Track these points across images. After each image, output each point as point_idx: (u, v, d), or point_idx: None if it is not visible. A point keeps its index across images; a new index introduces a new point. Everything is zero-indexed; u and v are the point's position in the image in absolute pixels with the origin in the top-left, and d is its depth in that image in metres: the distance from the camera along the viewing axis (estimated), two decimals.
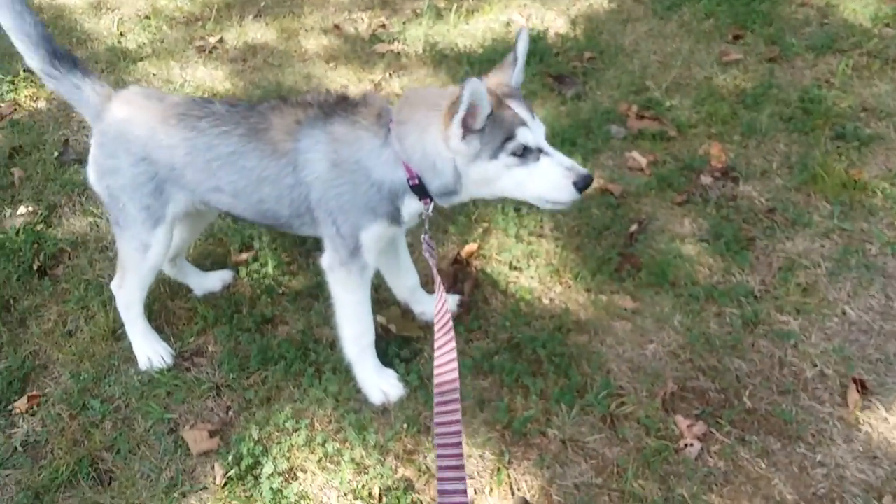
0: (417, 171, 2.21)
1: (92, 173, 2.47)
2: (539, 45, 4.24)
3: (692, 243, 3.07)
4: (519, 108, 2.14)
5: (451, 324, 1.96)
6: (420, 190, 2.24)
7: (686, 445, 2.37)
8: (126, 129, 2.38)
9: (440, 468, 1.74)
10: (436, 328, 1.99)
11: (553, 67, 4.12)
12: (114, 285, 2.65)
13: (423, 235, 2.30)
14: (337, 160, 2.27)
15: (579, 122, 3.71)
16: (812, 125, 3.61)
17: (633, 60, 4.18)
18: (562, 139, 3.57)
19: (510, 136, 2.11)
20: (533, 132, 2.14)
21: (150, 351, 2.67)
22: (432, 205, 2.28)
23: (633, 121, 3.71)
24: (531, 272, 2.98)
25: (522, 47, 2.24)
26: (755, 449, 2.37)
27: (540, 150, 2.15)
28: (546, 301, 2.88)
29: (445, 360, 1.91)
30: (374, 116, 2.26)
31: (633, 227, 3.12)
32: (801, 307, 2.79)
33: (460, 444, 1.77)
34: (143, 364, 2.66)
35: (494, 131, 2.10)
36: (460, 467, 1.74)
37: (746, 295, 2.83)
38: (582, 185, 2.14)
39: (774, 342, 2.68)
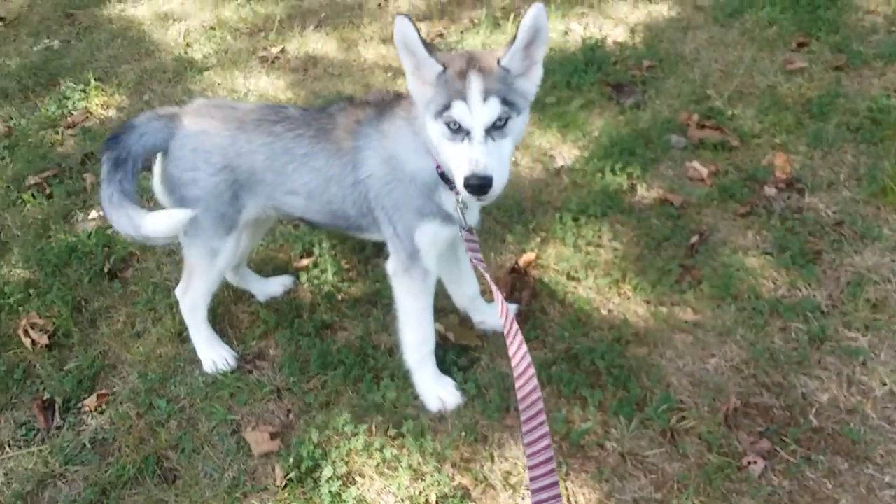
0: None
1: (163, 187, 2.52)
2: (597, 54, 4.22)
3: (756, 256, 3.00)
4: (473, 84, 2.00)
5: (519, 332, 1.91)
6: (448, 178, 2.23)
7: (749, 463, 2.32)
8: (204, 140, 2.43)
9: (533, 491, 1.71)
10: (507, 340, 1.92)
11: (611, 76, 4.09)
12: (178, 291, 2.73)
13: (461, 232, 2.26)
14: (386, 156, 2.31)
15: (638, 132, 3.67)
16: (881, 136, 3.50)
17: (693, 69, 4.12)
18: (620, 149, 3.55)
19: (447, 105, 2.02)
20: (471, 112, 2.00)
21: (214, 354, 2.74)
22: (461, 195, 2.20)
23: (694, 130, 3.65)
24: (589, 282, 2.96)
25: (525, 24, 2.02)
26: (821, 469, 2.30)
27: (468, 134, 2.02)
28: (604, 312, 2.85)
29: (522, 368, 1.85)
30: (412, 108, 2.27)
31: (694, 239, 3.08)
32: (870, 323, 2.71)
33: (552, 459, 1.75)
34: (207, 367, 2.73)
35: (440, 94, 2.04)
36: (554, 485, 1.71)
37: (813, 310, 2.76)
38: (471, 182, 1.98)
39: (842, 359, 2.61)
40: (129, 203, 2.38)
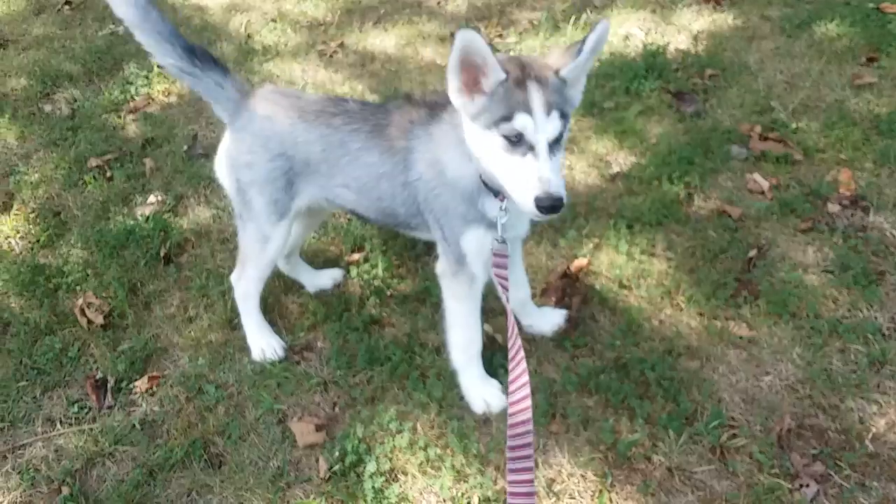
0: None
1: (222, 167, 2.57)
2: (658, 60, 4.15)
3: (816, 273, 2.92)
4: (535, 96, 1.96)
5: (524, 360, 1.93)
6: (489, 185, 2.20)
7: (801, 486, 2.26)
8: (267, 126, 2.45)
9: None
10: (510, 365, 1.94)
11: (672, 83, 4.02)
12: (233, 277, 2.76)
13: (492, 241, 2.22)
14: (432, 161, 2.29)
15: (698, 141, 3.60)
16: None
17: (757, 79, 4.03)
18: (678, 157, 3.48)
19: (508, 117, 1.97)
20: (536, 125, 1.96)
21: (263, 343, 2.76)
22: (506, 203, 2.18)
23: (756, 142, 3.57)
24: (641, 291, 2.92)
25: (593, 39, 1.99)
26: (875, 495, 2.23)
27: (531, 148, 1.99)
28: (656, 322, 2.80)
29: (519, 396, 1.88)
30: (456, 112, 2.20)
31: (752, 253, 3.00)
32: None
33: (533, 493, 1.78)
34: (256, 355, 2.76)
35: (499, 104, 1.99)
36: None
37: (874, 332, 2.67)
38: (543, 203, 1.95)
39: None
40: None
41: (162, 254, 3.22)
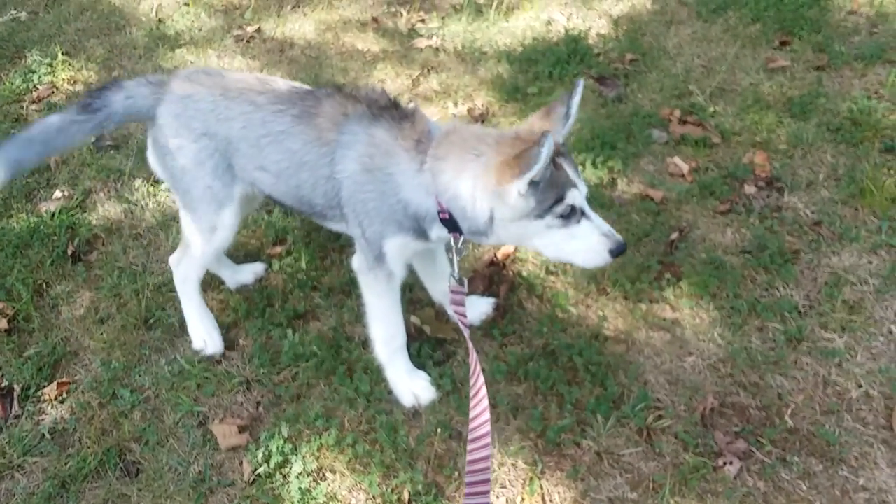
0: (447, 208, 2.15)
1: (154, 158, 2.47)
2: (580, 46, 4.17)
3: (735, 254, 2.99)
4: (569, 168, 2.07)
5: (485, 390, 1.96)
6: (450, 223, 2.18)
7: (725, 464, 2.30)
8: (188, 105, 2.35)
9: None
10: (471, 403, 1.97)
11: (594, 68, 4.05)
12: (172, 260, 2.65)
13: (449, 284, 2.25)
14: (370, 166, 2.22)
15: (620, 125, 3.63)
16: (861, 137, 3.50)
17: (676, 64, 4.09)
18: (602, 141, 3.50)
19: (560, 198, 2.04)
20: (580, 193, 2.08)
21: (205, 334, 2.65)
22: (462, 240, 2.20)
23: (676, 126, 3.62)
24: (568, 277, 2.92)
25: (577, 102, 2.15)
26: (796, 470, 2.29)
27: (582, 213, 2.10)
28: (583, 307, 2.82)
29: (478, 411, 1.92)
30: (415, 140, 2.18)
31: (674, 235, 3.05)
32: (846, 325, 2.70)
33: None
34: (197, 344, 2.65)
35: (547, 191, 2.02)
36: None
37: (790, 310, 2.75)
38: (617, 252, 2.12)
39: (818, 360, 2.60)
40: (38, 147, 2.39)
41: (69, 252, 3.05)
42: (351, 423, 2.44)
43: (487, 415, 1.91)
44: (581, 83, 2.16)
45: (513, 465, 2.33)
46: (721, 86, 3.90)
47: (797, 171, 3.37)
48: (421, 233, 2.26)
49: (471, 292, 2.82)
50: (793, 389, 2.52)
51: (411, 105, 2.35)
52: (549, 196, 2.03)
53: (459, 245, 2.21)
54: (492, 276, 2.91)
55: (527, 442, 2.38)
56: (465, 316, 2.19)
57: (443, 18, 4.59)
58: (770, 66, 4.02)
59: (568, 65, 4.03)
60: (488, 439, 1.89)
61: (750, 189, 3.27)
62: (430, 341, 2.68)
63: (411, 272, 2.68)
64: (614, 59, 4.15)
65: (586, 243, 2.11)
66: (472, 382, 1.99)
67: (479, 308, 2.75)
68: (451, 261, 2.25)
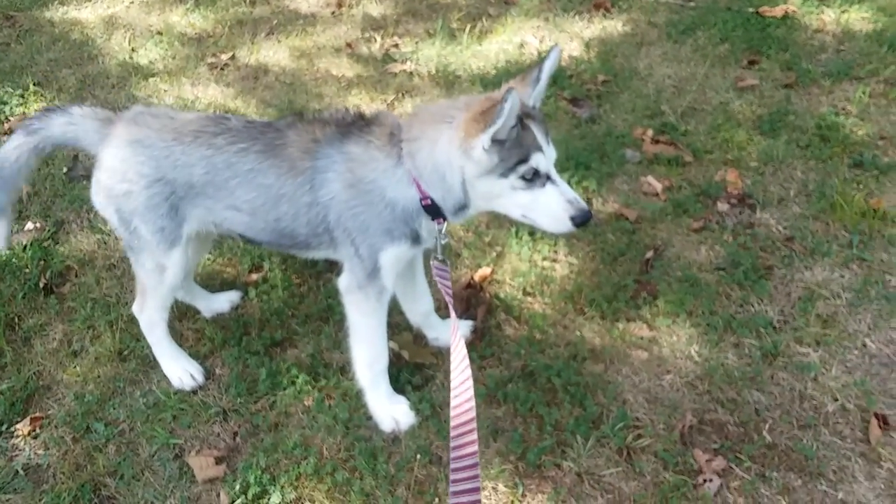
0: (427, 189, 2.19)
1: (99, 198, 2.41)
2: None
3: (709, 271, 3.01)
4: (537, 131, 2.09)
5: (467, 361, 1.91)
6: (432, 210, 2.22)
7: (705, 481, 2.31)
8: (137, 150, 2.32)
9: None
10: (452, 366, 1.93)
11: (567, 90, 4.09)
12: (135, 308, 2.62)
13: (432, 261, 2.27)
14: (353, 180, 2.24)
15: (594, 146, 3.67)
16: (829, 153, 3.57)
17: (647, 84, 4.15)
18: (576, 162, 3.53)
19: (524, 159, 2.07)
20: (546, 158, 2.11)
21: (180, 371, 2.63)
22: (445, 225, 2.25)
23: (649, 145, 3.67)
24: (545, 298, 2.93)
25: (549, 66, 2.18)
26: (776, 486, 2.30)
27: (548, 177, 2.12)
28: (561, 328, 2.82)
29: (463, 398, 1.85)
30: (387, 136, 2.23)
31: (650, 254, 3.07)
32: (821, 339, 2.73)
33: (478, 490, 1.71)
34: (176, 383, 2.62)
35: (512, 150, 2.06)
36: None
37: (765, 325, 2.77)
38: (580, 220, 2.12)
39: (794, 375, 2.62)
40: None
41: (42, 284, 3.01)
42: (330, 451, 2.41)
43: (471, 392, 1.85)
44: (558, 48, 2.20)
45: (493, 488, 2.32)
46: (692, 105, 3.95)
47: (768, 187, 3.42)
48: (413, 235, 2.28)
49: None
50: (770, 405, 2.53)
51: (374, 111, 2.39)
52: (514, 155, 2.06)
53: (443, 231, 2.24)
54: (469, 299, 2.91)
55: (507, 465, 2.37)
56: (449, 288, 2.21)
57: (416, 43, 4.63)
58: (739, 84, 4.09)
59: None
60: (472, 412, 1.81)
61: (723, 206, 3.31)
62: (409, 366, 2.67)
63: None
64: (587, 80, 4.20)
65: (549, 208, 2.13)
66: (453, 356, 1.96)
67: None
68: (436, 245, 2.27)
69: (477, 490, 1.70)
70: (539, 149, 2.08)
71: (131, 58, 4.56)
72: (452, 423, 1.81)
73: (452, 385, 1.89)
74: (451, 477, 1.73)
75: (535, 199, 2.12)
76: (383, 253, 2.29)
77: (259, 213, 2.34)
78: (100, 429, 2.51)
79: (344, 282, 2.40)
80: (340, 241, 2.32)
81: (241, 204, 2.33)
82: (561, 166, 3.49)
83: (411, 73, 4.35)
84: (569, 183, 3.36)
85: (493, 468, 2.35)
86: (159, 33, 4.78)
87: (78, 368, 2.71)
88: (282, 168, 2.28)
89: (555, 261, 3.09)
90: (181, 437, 2.48)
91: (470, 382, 1.86)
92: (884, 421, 2.44)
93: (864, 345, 2.72)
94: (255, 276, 3.05)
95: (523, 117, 2.06)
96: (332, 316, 2.84)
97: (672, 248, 3.13)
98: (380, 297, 2.37)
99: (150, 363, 2.71)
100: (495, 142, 2.04)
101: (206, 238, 2.68)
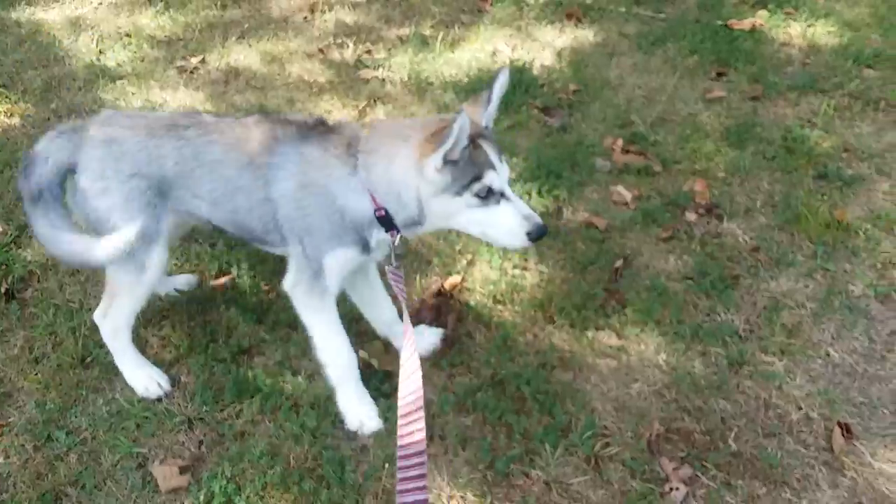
0: (382, 203, 2.23)
1: (75, 201, 2.40)
2: (525, 76, 4.24)
3: (677, 280, 3.04)
4: (489, 150, 2.15)
5: (417, 354, 1.95)
6: (386, 222, 2.25)
7: (672, 489, 2.32)
8: (113, 148, 2.34)
9: None
10: (402, 357, 1.96)
11: (539, 98, 4.12)
12: (97, 315, 2.58)
13: (387, 266, 2.30)
14: (305, 182, 2.28)
15: (564, 155, 3.69)
16: (795, 165, 3.63)
17: (618, 94, 4.19)
18: (547, 171, 3.55)
19: (478, 177, 2.12)
20: (499, 176, 2.16)
21: (145, 379, 2.58)
22: (399, 237, 2.28)
23: (619, 155, 3.70)
24: (515, 306, 2.94)
25: (499, 88, 2.26)
26: (741, 494, 2.32)
27: (501, 195, 2.16)
28: (530, 336, 2.83)
29: (410, 389, 1.87)
30: (345, 145, 2.28)
31: (619, 263, 3.09)
32: (785, 348, 2.77)
33: (424, 476, 1.72)
34: (141, 391, 2.58)
35: (465, 169, 2.12)
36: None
37: (731, 335, 2.81)
38: (535, 235, 2.16)
39: (759, 383, 2.65)
40: (67, 234, 2.31)
41: (3, 290, 2.94)
42: (297, 460, 2.39)
43: (420, 382, 1.87)
44: (506, 71, 2.27)
45: (462, 497, 2.31)
46: (661, 115, 4.00)
47: (735, 198, 3.46)
48: (361, 243, 2.32)
49: (418, 323, 2.81)
50: (735, 413, 2.56)
51: (337, 120, 2.43)
52: (467, 174, 2.11)
53: (396, 243, 2.27)
54: (439, 307, 2.90)
55: (475, 474, 2.36)
56: (403, 291, 2.25)
57: (389, 50, 4.63)
58: (708, 96, 4.15)
59: (513, 95, 4.08)
60: (420, 401, 1.84)
61: (691, 216, 3.35)
62: (379, 374, 2.66)
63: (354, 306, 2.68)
64: (558, 89, 4.22)
65: (505, 224, 2.17)
66: (403, 348, 1.98)
67: (427, 339, 2.74)
68: (391, 254, 2.30)
69: (423, 477, 1.71)
70: (492, 167, 2.13)
71: (99, 60, 4.49)
72: (400, 412, 1.84)
73: (401, 375, 1.91)
74: (399, 464, 1.74)
75: (491, 216, 2.17)
76: (328, 256, 2.33)
77: (219, 203, 2.39)
78: (61, 437, 2.45)
79: (288, 280, 2.44)
80: (289, 238, 2.37)
81: (205, 193, 2.38)
82: (531, 174, 3.53)
83: (383, 79, 4.34)
84: (539, 191, 3.43)
85: (462, 477, 2.35)
86: (128, 35, 4.71)
87: (39, 375, 2.65)
88: (241, 161, 2.33)
89: (525, 269, 3.10)
90: (145, 446, 2.43)
91: (419, 374, 1.89)
92: (847, 429, 2.48)
93: (828, 354, 2.76)
94: (222, 281, 3.01)
95: (475, 137, 2.13)
96: (300, 323, 2.79)
97: (641, 258, 3.16)
98: (323, 296, 2.40)
99: (113, 370, 2.65)
100: (448, 162, 2.09)
101: (175, 230, 2.65)
